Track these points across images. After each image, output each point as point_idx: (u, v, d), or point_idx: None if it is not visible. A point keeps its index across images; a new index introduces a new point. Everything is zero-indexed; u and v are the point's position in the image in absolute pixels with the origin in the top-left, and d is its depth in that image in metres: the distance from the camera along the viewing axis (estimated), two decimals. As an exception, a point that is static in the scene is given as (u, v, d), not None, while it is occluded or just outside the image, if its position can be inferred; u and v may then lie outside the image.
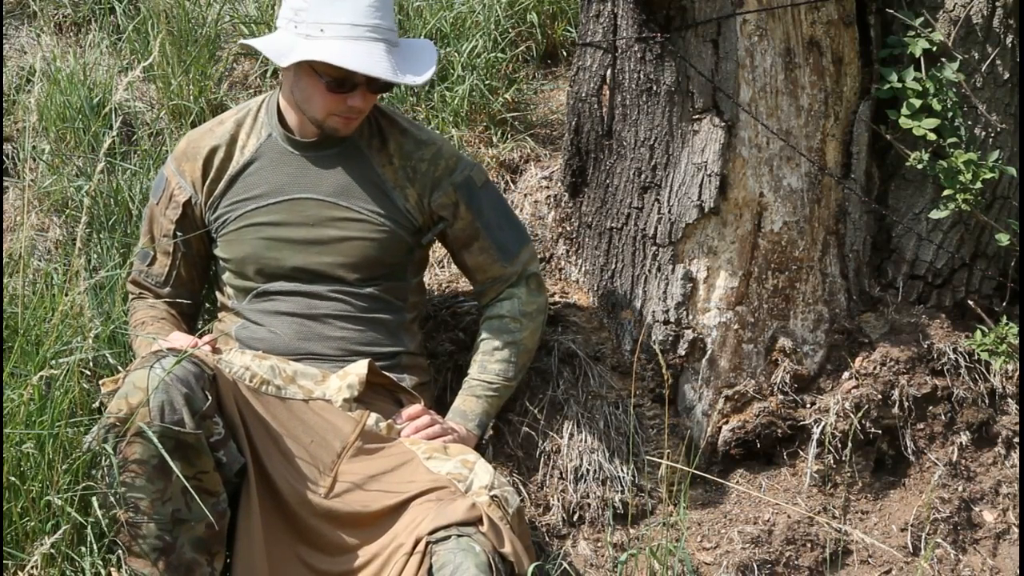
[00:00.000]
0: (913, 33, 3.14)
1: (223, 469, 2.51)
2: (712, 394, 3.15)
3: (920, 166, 3.13)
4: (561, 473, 3.06)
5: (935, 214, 3.18)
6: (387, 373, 2.84)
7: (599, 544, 3.02)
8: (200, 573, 2.49)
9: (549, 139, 3.72)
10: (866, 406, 3.10)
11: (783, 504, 3.06)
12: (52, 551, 2.38)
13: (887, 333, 3.22)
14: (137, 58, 3.75)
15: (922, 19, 3.14)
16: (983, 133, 3.18)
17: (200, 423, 2.46)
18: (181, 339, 2.74)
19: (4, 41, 3.84)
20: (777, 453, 3.17)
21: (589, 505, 3.04)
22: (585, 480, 3.05)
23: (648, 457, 3.08)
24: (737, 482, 3.14)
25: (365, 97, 2.79)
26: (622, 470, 3.06)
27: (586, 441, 3.08)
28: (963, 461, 3.16)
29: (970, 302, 3.27)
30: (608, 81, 3.16)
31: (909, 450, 3.16)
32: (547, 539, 3.00)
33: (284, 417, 2.64)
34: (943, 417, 3.17)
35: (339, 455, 2.64)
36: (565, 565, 2.88)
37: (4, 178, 3.46)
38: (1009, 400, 3.20)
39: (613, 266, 3.22)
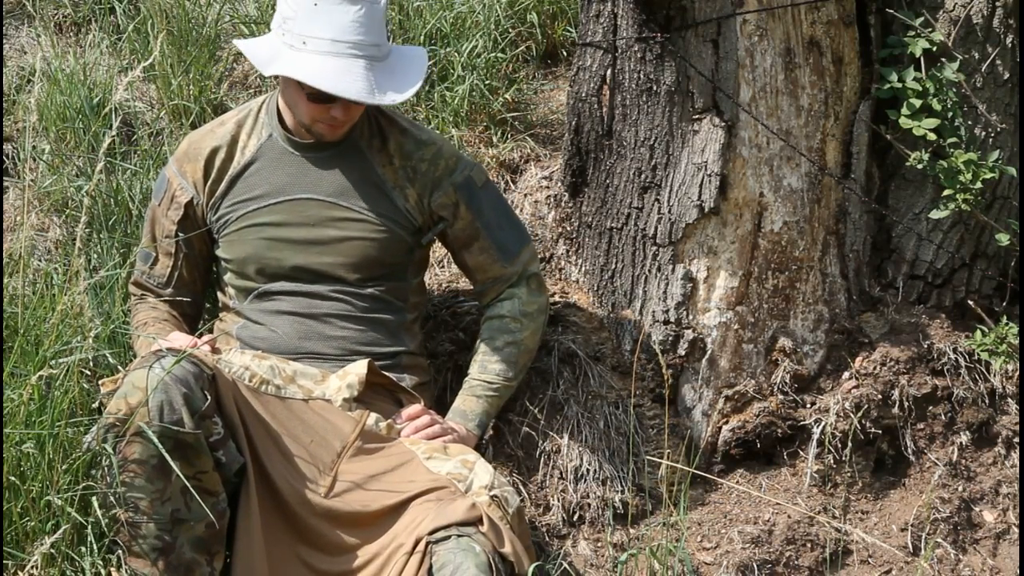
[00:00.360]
0: (913, 33, 3.14)
1: (222, 469, 2.51)
2: (712, 394, 3.15)
3: (920, 166, 3.13)
4: (561, 473, 3.06)
5: (935, 214, 3.18)
6: (387, 373, 2.84)
7: (599, 544, 3.02)
8: (200, 573, 2.49)
9: (549, 139, 3.72)
10: (866, 406, 3.10)
11: (783, 504, 3.06)
12: (52, 551, 2.38)
13: (887, 333, 3.22)
14: (137, 58, 3.75)
15: (922, 19, 3.14)
16: (983, 133, 3.18)
17: (199, 423, 2.46)
18: (180, 339, 2.74)
19: (4, 41, 3.84)
20: (777, 453, 3.17)
21: (589, 505, 3.04)
22: (585, 480, 3.05)
23: (648, 457, 3.08)
24: (737, 482, 3.14)
25: (347, 109, 2.79)
26: (622, 470, 3.06)
27: (586, 441, 3.08)
28: (963, 461, 3.16)
29: (970, 302, 3.27)
30: (608, 81, 3.16)
31: (909, 450, 3.16)
32: (547, 539, 3.00)
33: (284, 417, 2.64)
34: (943, 417, 3.17)
35: (339, 455, 2.64)
36: (565, 565, 2.88)
37: (4, 178, 3.46)
38: (1009, 400, 3.20)
39: (613, 266, 3.22)
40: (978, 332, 3.21)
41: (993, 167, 3.13)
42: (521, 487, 3.02)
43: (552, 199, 3.42)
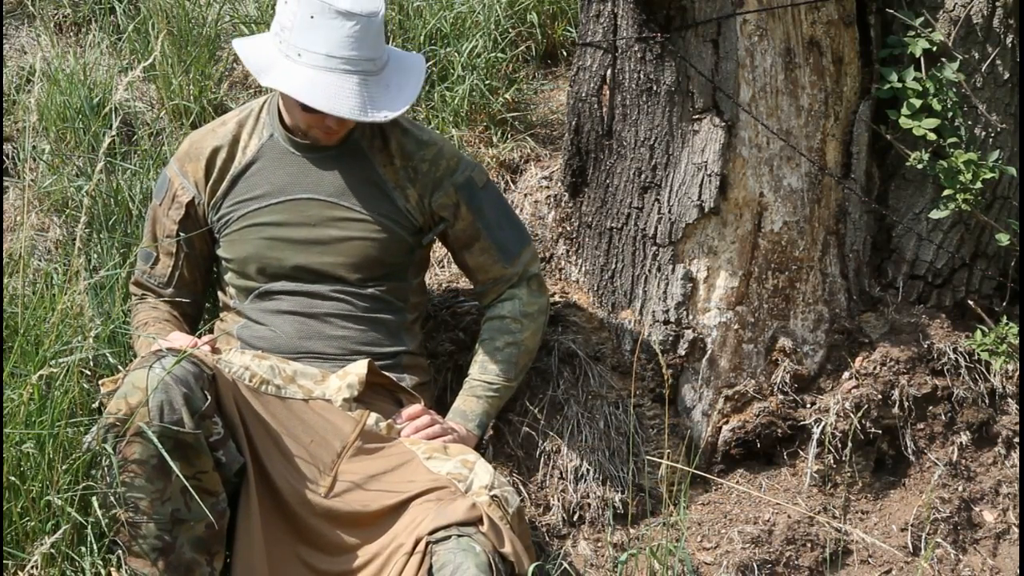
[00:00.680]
0: (913, 33, 3.14)
1: (222, 469, 2.51)
2: (712, 394, 3.15)
3: (920, 166, 3.13)
4: (561, 473, 3.06)
5: (935, 214, 3.18)
6: (387, 373, 2.84)
7: (599, 544, 3.02)
8: (200, 573, 2.50)
9: (549, 139, 3.72)
10: (866, 406, 3.10)
11: (783, 504, 3.06)
12: (52, 551, 2.38)
13: (887, 333, 3.22)
14: (137, 58, 3.75)
15: (922, 19, 3.14)
16: (983, 133, 3.18)
17: (199, 423, 2.46)
18: (181, 339, 2.74)
19: (4, 41, 3.84)
20: (777, 453, 3.17)
21: (589, 505, 3.04)
22: (585, 480, 3.05)
23: (648, 457, 3.08)
24: (737, 482, 3.14)
25: (341, 119, 2.78)
26: (622, 470, 3.06)
27: (586, 441, 3.08)
28: (963, 461, 3.16)
29: (970, 302, 3.27)
30: (608, 81, 3.16)
31: (909, 450, 3.16)
32: (547, 539, 3.00)
33: (284, 417, 2.64)
34: (943, 417, 3.17)
35: (339, 455, 2.64)
36: (565, 565, 2.88)
37: (4, 178, 3.46)
38: (1009, 400, 3.20)
39: (613, 266, 3.22)
40: (978, 332, 3.21)
41: (993, 167, 3.13)
42: (521, 487, 3.02)
43: (552, 199, 3.42)
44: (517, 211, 3.40)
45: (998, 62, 3.16)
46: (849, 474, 3.12)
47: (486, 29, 3.79)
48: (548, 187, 3.48)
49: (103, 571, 2.41)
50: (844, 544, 3.05)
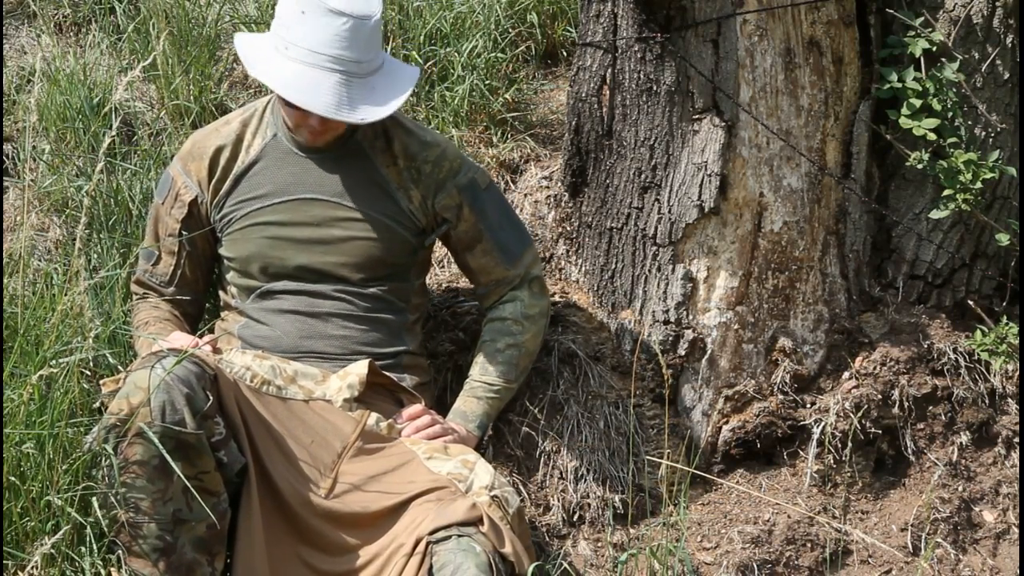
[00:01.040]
0: (913, 33, 3.14)
1: (224, 469, 2.51)
2: (712, 394, 3.15)
3: (920, 166, 3.13)
4: (561, 473, 3.06)
5: (935, 214, 3.18)
6: (388, 373, 2.85)
7: (599, 544, 3.02)
8: (201, 573, 2.49)
9: (549, 139, 3.72)
10: (866, 406, 3.10)
11: (783, 504, 3.06)
12: (52, 551, 2.38)
13: (887, 333, 3.22)
14: (137, 58, 3.75)
15: (922, 19, 3.14)
16: (983, 133, 3.18)
17: (201, 423, 2.46)
18: (182, 339, 2.74)
19: (4, 41, 3.84)
20: (777, 453, 3.17)
21: (589, 505, 3.04)
22: (585, 480, 3.05)
23: (648, 457, 3.08)
24: (737, 482, 3.14)
25: (323, 120, 2.77)
26: (622, 470, 3.06)
27: (586, 441, 3.08)
28: (963, 461, 3.16)
29: (970, 302, 3.27)
30: (608, 81, 3.16)
31: (909, 450, 3.16)
32: (547, 539, 3.00)
33: (285, 417, 2.65)
34: (943, 417, 3.17)
35: (339, 455, 2.64)
36: (565, 565, 2.88)
37: (4, 178, 3.46)
38: (1009, 400, 3.20)
39: (613, 266, 3.23)
40: (978, 332, 3.21)
41: (993, 167, 3.13)
42: (521, 487, 3.02)
43: (552, 199, 3.42)
44: (517, 211, 3.40)
45: (998, 62, 3.16)
46: (849, 474, 3.12)
47: (486, 29, 3.79)
48: (548, 187, 3.48)
49: (103, 571, 2.41)
50: (844, 544, 3.05)
